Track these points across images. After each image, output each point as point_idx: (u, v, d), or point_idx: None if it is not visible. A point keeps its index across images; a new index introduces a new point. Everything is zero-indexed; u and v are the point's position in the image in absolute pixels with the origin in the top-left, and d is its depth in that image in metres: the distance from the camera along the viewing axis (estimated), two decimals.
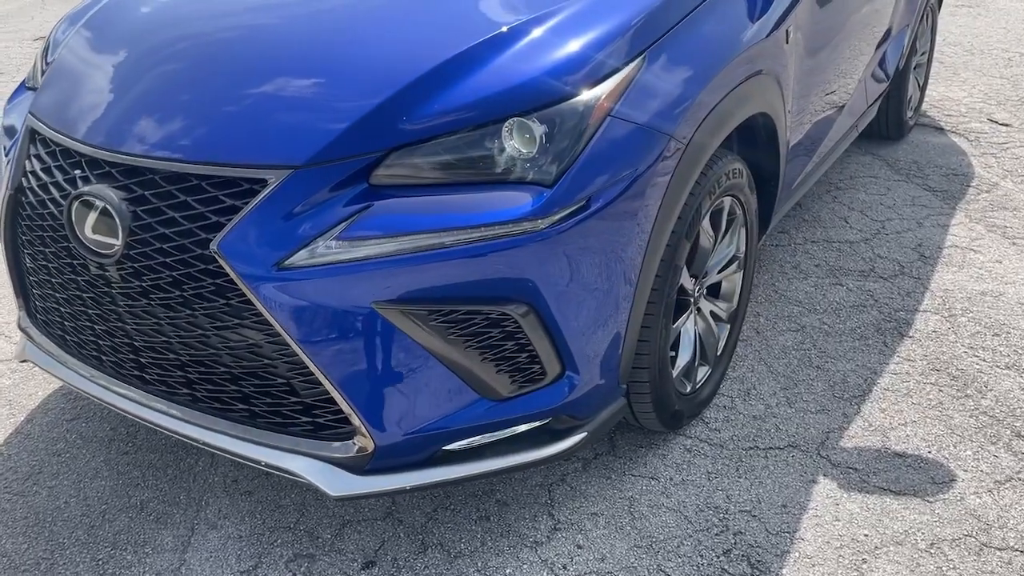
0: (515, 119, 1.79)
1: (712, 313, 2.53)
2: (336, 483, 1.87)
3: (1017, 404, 2.55)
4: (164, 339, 1.92)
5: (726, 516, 2.19)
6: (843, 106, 3.31)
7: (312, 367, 1.77)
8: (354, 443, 1.86)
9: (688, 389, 2.44)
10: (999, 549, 2.07)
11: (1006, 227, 3.64)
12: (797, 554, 2.07)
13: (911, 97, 4.57)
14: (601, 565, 2.06)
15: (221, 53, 2.04)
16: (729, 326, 2.64)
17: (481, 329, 1.81)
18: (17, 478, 2.42)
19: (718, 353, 2.59)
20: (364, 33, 2.03)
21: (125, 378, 2.09)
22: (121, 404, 2.08)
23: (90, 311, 2.04)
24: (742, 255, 2.60)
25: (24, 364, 2.84)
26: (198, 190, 1.80)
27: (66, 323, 2.17)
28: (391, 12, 2.11)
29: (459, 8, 2.10)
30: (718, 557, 2.07)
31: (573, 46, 1.89)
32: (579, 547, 2.12)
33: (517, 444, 1.97)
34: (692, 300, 2.38)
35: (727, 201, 2.39)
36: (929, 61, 4.86)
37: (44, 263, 2.09)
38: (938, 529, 2.13)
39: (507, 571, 2.06)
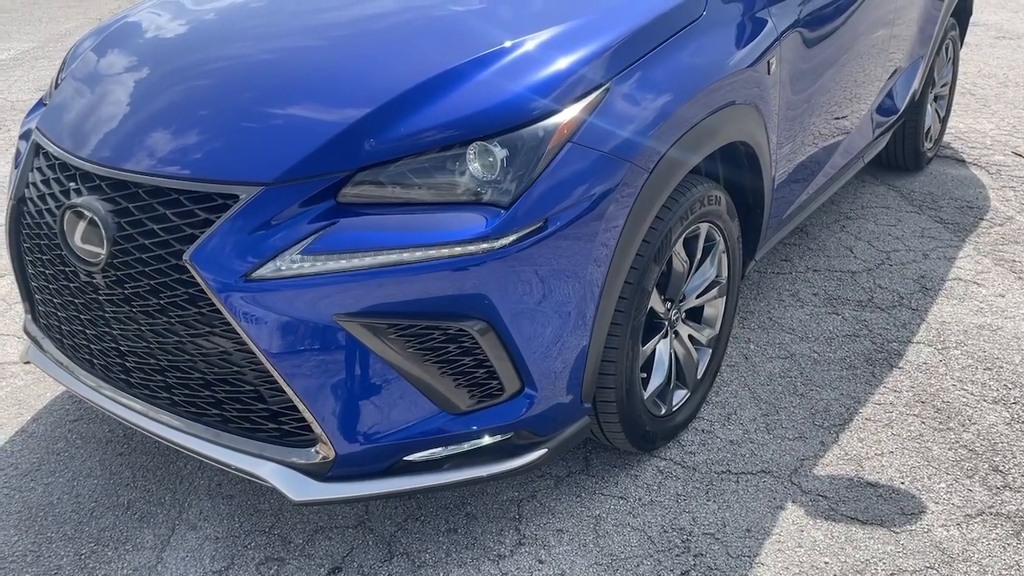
0: (478, 143, 1.86)
1: (691, 337, 2.56)
2: (298, 488, 1.94)
3: (999, 439, 2.53)
4: (145, 344, 2.02)
5: (689, 538, 2.21)
6: (843, 137, 3.33)
7: (276, 376, 1.85)
8: (316, 451, 1.93)
9: (662, 411, 2.47)
10: None
11: (1015, 261, 3.60)
12: None
13: (929, 128, 4.55)
14: None
15: (205, 77, 2.16)
16: (711, 351, 2.66)
17: (439, 344, 1.87)
18: (17, 474, 2.54)
19: (698, 377, 2.62)
20: (335, 58, 2.14)
21: (112, 381, 2.20)
22: (108, 406, 2.19)
23: (81, 316, 2.15)
24: (724, 281, 2.63)
25: (29, 366, 2.97)
26: (176, 204, 1.90)
27: (63, 327, 2.28)
28: (362, 39, 2.21)
29: (430, 35, 2.19)
30: None
31: (538, 74, 1.96)
32: (540, 562, 2.16)
33: (477, 457, 2.02)
34: (667, 323, 2.42)
35: (704, 227, 2.43)
36: (951, 92, 4.83)
37: (42, 270, 2.21)
38: (900, 560, 2.12)
39: None
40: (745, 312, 3.26)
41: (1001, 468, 2.42)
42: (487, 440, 2.00)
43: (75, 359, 2.30)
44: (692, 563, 2.14)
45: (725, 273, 2.62)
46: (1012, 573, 2.08)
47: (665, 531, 2.24)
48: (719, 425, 2.64)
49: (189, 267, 1.83)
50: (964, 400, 2.71)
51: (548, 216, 1.86)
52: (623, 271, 2.06)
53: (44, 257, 2.18)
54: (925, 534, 2.20)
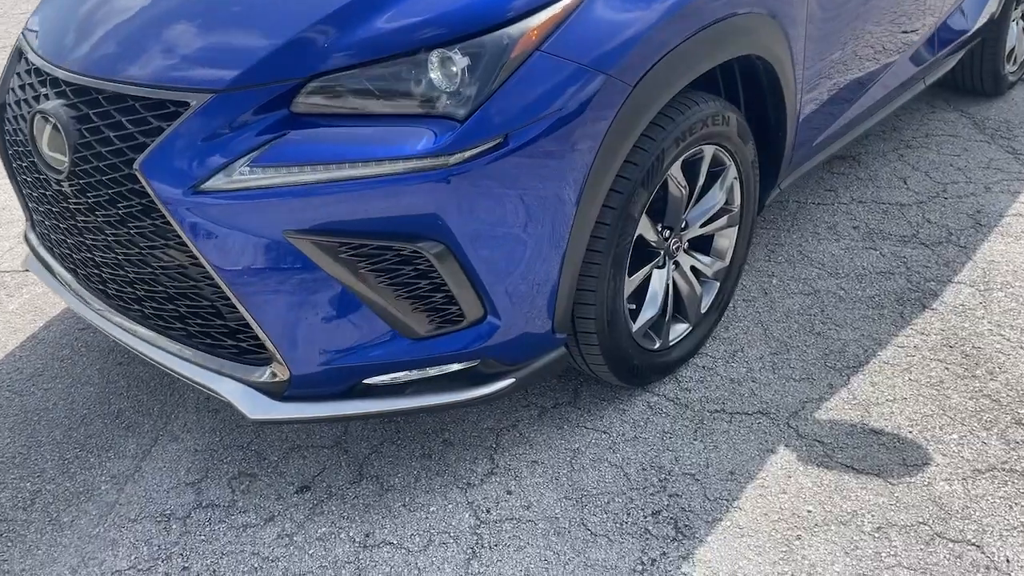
0: (437, 50, 1.73)
1: (694, 269, 2.41)
2: (254, 407, 1.92)
3: None
4: (113, 255, 2.00)
5: (668, 477, 2.11)
6: (894, 57, 3.04)
7: (227, 292, 1.81)
8: (271, 370, 1.89)
9: (656, 345, 2.34)
10: (952, 541, 1.91)
11: None
12: (728, 523, 1.98)
13: (1013, 50, 4.15)
14: (524, 512, 2.03)
15: None
16: (718, 284, 2.51)
17: (393, 266, 1.79)
18: (20, 378, 2.60)
19: (702, 311, 2.47)
20: None
21: (94, 291, 2.20)
22: (89, 316, 2.19)
23: (60, 225, 2.14)
24: (736, 209, 2.45)
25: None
26: (132, 111, 1.84)
27: (51, 235, 2.29)
28: None
29: None
30: (645, 517, 2.00)
31: None
32: (509, 493, 2.09)
33: (441, 384, 1.95)
34: (663, 253, 2.27)
35: (708, 150, 2.25)
36: None
37: (24, 177, 2.21)
38: (891, 513, 1.98)
39: (432, 509, 2.06)
40: (774, 244, 3.06)
41: None
42: (450, 367, 1.92)
43: (65, 267, 2.30)
44: (665, 503, 2.04)
45: (737, 201, 2.44)
46: (1014, 535, 1.91)
47: (643, 469, 2.14)
48: (722, 362, 2.50)
49: (139, 176, 1.78)
50: (998, 346, 2.49)
51: (509, 132, 1.73)
52: (600, 195, 1.92)
53: (23, 164, 2.17)
54: (924, 487, 2.04)
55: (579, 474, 2.14)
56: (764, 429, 2.24)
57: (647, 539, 1.95)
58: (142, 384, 2.53)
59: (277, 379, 1.89)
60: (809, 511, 2.00)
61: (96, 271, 2.13)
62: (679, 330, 2.43)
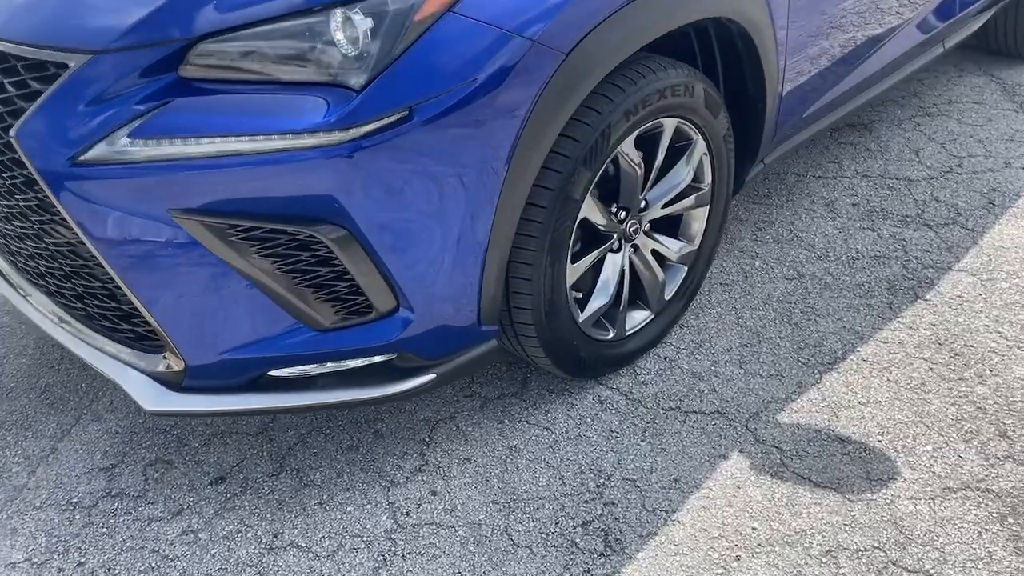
0: (336, 9, 1.54)
1: (655, 253, 2.20)
2: (151, 397, 1.78)
3: (1020, 396, 2.10)
4: (11, 227, 1.87)
5: (606, 483, 1.94)
6: (902, 20, 2.75)
7: (113, 274, 1.66)
8: (165, 358, 1.75)
9: (609, 336, 2.15)
10: (908, 571, 1.71)
11: None
12: (663, 538, 1.81)
13: None
14: (446, 517, 1.88)
15: None
16: (685, 269, 2.30)
17: (289, 251, 1.62)
18: None
19: (666, 298, 2.27)
20: None
21: (12, 263, 2.08)
22: (3, 288, 2.07)
23: None
24: (706, 188, 2.23)
25: None
26: (12, 72, 1.68)
27: None
28: None
29: None
30: (574, 528, 1.84)
31: None
32: (434, 493, 1.94)
33: (355, 378, 1.80)
34: (617, 236, 2.07)
35: (669, 123, 2.03)
36: None
37: None
38: (845, 535, 1.79)
39: (348, 508, 1.92)
40: (764, 221, 2.84)
41: (1010, 433, 2.00)
42: (361, 361, 1.76)
43: None
44: (599, 512, 1.87)
45: (707, 179, 2.22)
46: (978, 568, 1.71)
47: (582, 472, 1.97)
48: (686, 353, 2.30)
49: (15, 145, 1.62)
50: (993, 345, 2.26)
51: (415, 104, 1.54)
52: (528, 175, 1.73)
53: None
54: (886, 506, 1.84)
55: (512, 475, 1.98)
56: (719, 431, 2.06)
57: (572, 553, 1.79)
58: (75, 359, 2.42)
59: (172, 369, 1.74)
60: (754, 528, 1.82)
61: (2, 241, 2.00)
62: (638, 318, 2.24)
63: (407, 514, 1.90)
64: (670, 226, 2.27)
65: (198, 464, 2.06)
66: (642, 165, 2.01)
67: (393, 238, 1.62)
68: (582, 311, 2.06)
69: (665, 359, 2.29)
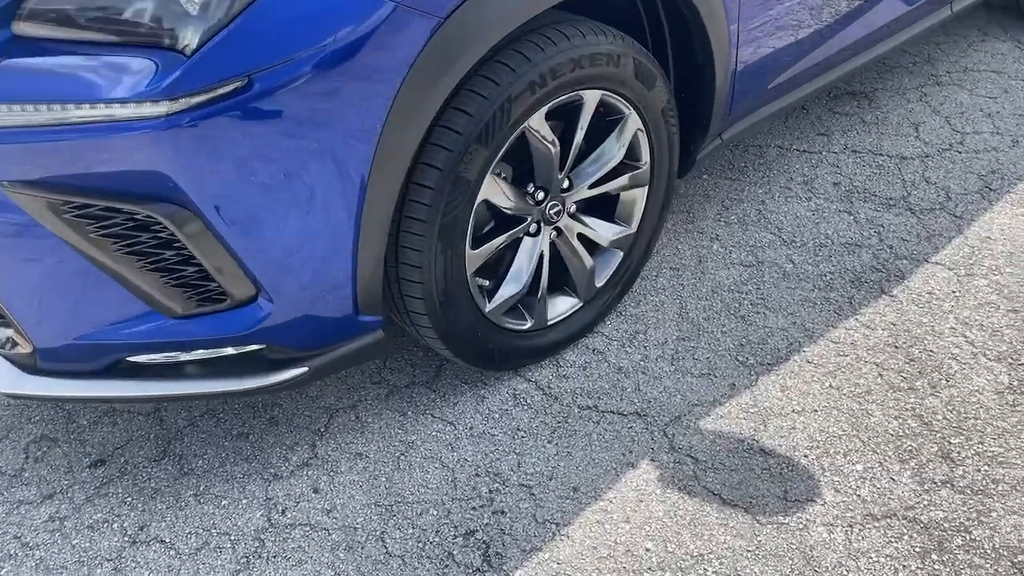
0: None
1: (583, 237, 2.02)
2: (7, 379, 1.67)
3: (974, 412, 1.89)
4: None
5: (501, 488, 1.79)
6: None
7: None
8: (11, 339, 1.63)
9: (527, 325, 1.99)
10: None
11: None
12: (547, 556, 1.66)
13: None
14: (322, 518, 1.76)
15: None
16: (621, 254, 2.11)
17: (128, 231, 1.47)
18: None
19: (597, 285, 2.09)
20: None
21: None
22: None
23: None
24: (643, 167, 2.03)
25: None
26: None
27: None
28: None
29: None
30: (454, 539, 1.70)
31: None
32: (315, 491, 1.82)
33: (223, 368, 1.67)
34: (532, 220, 1.89)
35: (591, 96, 1.83)
36: None
37: None
38: (745, 563, 1.62)
39: (223, 503, 1.81)
40: (732, 199, 2.62)
41: (954, 455, 1.80)
42: (221, 351, 1.63)
43: None
44: (485, 522, 1.73)
45: (645, 158, 2.02)
46: None
47: (477, 474, 1.83)
48: (617, 345, 2.12)
49: None
50: (955, 351, 2.04)
51: (254, 72, 1.37)
52: (404, 153, 1.55)
53: None
54: (797, 532, 1.67)
55: (403, 474, 1.84)
56: (634, 435, 1.89)
57: (447, 567, 1.65)
58: None
59: (20, 351, 1.63)
60: (648, 549, 1.66)
61: None
62: (564, 307, 2.06)
63: (282, 512, 1.78)
64: (604, 208, 2.08)
65: (81, 444, 1.96)
66: (557, 143, 1.81)
67: (240, 221, 1.47)
68: (490, 300, 1.90)
69: (593, 351, 2.12)
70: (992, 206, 2.53)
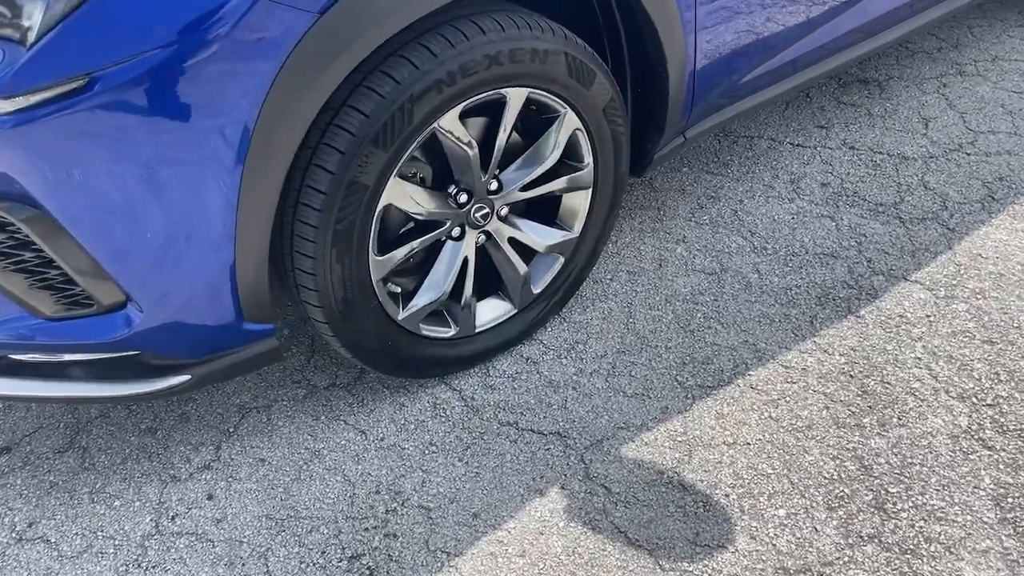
0: None
1: (515, 242, 1.89)
2: None
3: (922, 458, 1.72)
4: None
5: (399, 508, 1.70)
6: None
7: None
8: None
9: (451, 333, 1.88)
10: None
11: None
12: None
13: None
14: (210, 528, 1.69)
15: None
16: (561, 260, 1.98)
17: None
18: None
19: (535, 291, 1.97)
20: None
21: None
22: None
23: None
24: (585, 168, 1.88)
25: None
26: None
27: None
28: None
29: None
30: (339, 561, 1.62)
31: None
32: (210, 497, 1.75)
33: (108, 371, 1.60)
34: (451, 224, 1.77)
35: (516, 94, 1.68)
36: None
37: None
38: None
39: (116, 504, 1.75)
40: (708, 196, 2.45)
41: (888, 506, 1.64)
42: (94, 356, 1.55)
43: None
44: (374, 546, 1.64)
45: (588, 159, 1.87)
46: None
47: (377, 491, 1.74)
48: (553, 356, 2.00)
49: None
50: (916, 385, 1.87)
51: (96, 71, 1.26)
52: (283, 155, 1.44)
53: None
54: None
55: (302, 486, 1.76)
56: (550, 459, 1.77)
57: None
58: None
59: None
60: None
61: None
62: (497, 312, 1.95)
63: (172, 518, 1.71)
64: (544, 211, 1.94)
65: None
66: (474, 144, 1.68)
67: (96, 225, 1.38)
68: (403, 307, 1.79)
69: (527, 360, 2.00)
70: (991, 219, 2.32)
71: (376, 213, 1.61)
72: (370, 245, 1.64)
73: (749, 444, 1.77)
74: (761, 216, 2.37)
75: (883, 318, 2.04)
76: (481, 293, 1.93)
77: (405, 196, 1.64)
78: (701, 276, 2.19)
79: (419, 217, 1.70)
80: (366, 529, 1.67)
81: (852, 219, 2.34)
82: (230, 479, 1.78)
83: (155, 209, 1.39)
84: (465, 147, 1.66)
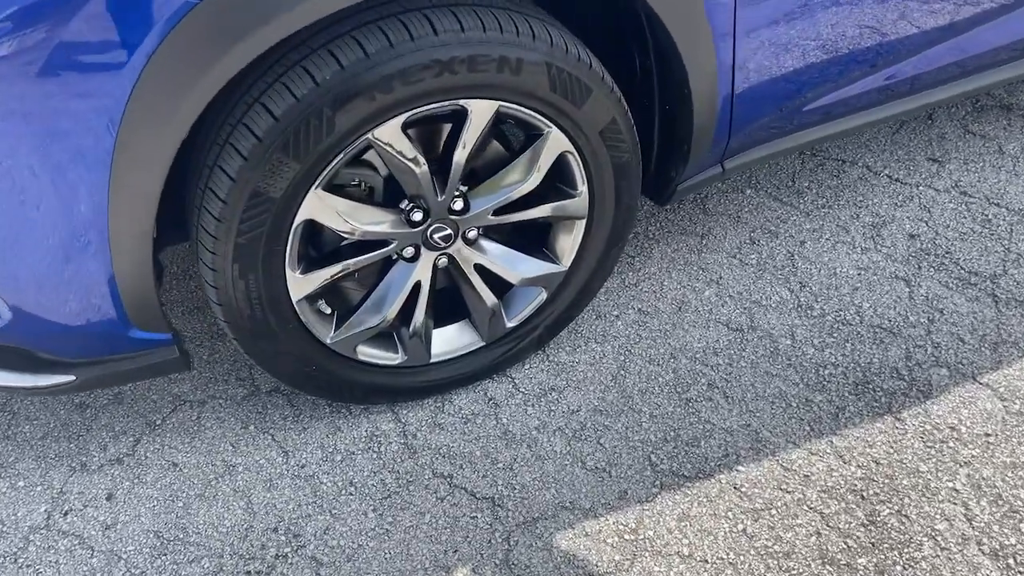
0: None
1: (481, 268, 1.62)
2: None
3: None
4: None
5: (289, 556, 1.52)
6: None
7: None
8: None
9: (398, 361, 1.65)
10: None
11: None
12: None
13: None
14: (95, 533, 1.57)
15: None
16: (544, 295, 1.70)
17: None
18: None
19: (508, 325, 1.71)
20: None
21: None
22: None
23: None
24: (579, 195, 1.58)
25: None
26: None
27: None
28: None
29: None
30: None
31: None
32: (109, 497, 1.63)
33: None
34: (397, 244, 1.52)
35: (480, 107, 1.40)
36: None
37: None
38: None
39: (19, 485, 1.66)
40: (766, 230, 2.08)
41: None
42: None
43: None
44: None
45: (582, 187, 1.57)
46: None
47: (276, 529, 1.56)
48: (520, 400, 1.74)
49: None
50: (940, 527, 1.50)
51: None
52: (156, 158, 1.23)
53: None
54: None
55: (203, 504, 1.61)
56: (470, 531, 1.54)
57: None
58: None
59: None
60: None
61: None
62: (462, 342, 1.71)
63: (65, 514, 1.61)
64: (532, 238, 1.67)
65: None
66: (421, 160, 1.41)
67: None
68: (335, 329, 1.57)
69: (489, 401, 1.75)
70: None
71: (293, 228, 1.39)
72: (286, 261, 1.42)
73: (707, 563, 1.47)
74: (821, 265, 1.99)
75: (929, 427, 1.65)
76: (451, 318, 1.69)
77: (330, 212, 1.41)
78: (723, 331, 1.85)
79: (349, 237, 1.46)
80: (248, 572, 1.50)
81: (932, 287, 1.92)
82: (135, 480, 1.65)
83: (13, 207, 1.23)
84: (409, 163, 1.40)
